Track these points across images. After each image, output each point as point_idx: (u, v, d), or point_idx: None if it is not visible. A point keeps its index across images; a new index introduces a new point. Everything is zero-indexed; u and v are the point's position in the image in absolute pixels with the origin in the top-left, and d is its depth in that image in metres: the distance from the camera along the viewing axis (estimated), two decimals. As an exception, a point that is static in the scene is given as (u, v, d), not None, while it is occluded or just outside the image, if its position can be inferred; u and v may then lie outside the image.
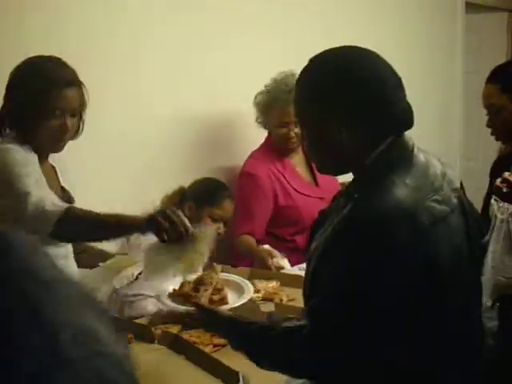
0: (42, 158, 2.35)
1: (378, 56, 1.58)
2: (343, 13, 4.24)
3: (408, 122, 1.56)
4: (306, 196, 3.31)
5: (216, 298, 1.92)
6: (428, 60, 4.87)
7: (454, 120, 5.33)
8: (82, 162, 2.81)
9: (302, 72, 1.60)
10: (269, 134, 3.36)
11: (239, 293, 2.01)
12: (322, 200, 3.18)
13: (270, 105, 3.25)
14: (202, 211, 2.97)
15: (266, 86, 3.30)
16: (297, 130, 3.13)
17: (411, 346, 1.44)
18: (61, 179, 2.44)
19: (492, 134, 2.60)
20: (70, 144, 2.28)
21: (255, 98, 3.32)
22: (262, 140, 3.40)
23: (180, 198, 3.00)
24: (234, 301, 1.95)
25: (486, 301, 2.41)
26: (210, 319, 1.67)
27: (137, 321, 2.24)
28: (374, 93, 1.49)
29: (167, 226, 1.93)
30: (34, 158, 2.24)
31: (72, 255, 2.44)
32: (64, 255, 2.36)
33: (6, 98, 2.28)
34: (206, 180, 3.13)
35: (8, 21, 2.69)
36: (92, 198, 2.50)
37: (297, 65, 3.42)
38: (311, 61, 1.60)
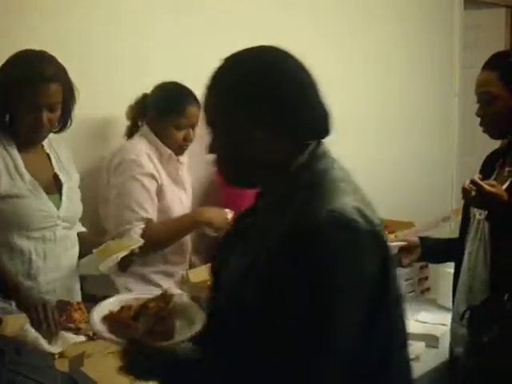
0: (29, 146, 2.38)
1: (295, 58, 1.48)
2: (342, 6, 4.23)
3: (328, 129, 1.47)
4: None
5: (159, 329, 1.55)
6: (426, 55, 4.86)
7: (451, 115, 5.32)
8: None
9: (214, 73, 1.47)
10: None
11: (190, 322, 1.58)
12: None
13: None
14: (165, 122, 2.92)
15: None
16: None
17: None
18: (55, 166, 2.45)
19: (480, 124, 2.40)
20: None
21: None
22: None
23: (143, 107, 2.97)
24: (182, 332, 1.55)
25: (460, 306, 2.37)
26: (133, 355, 1.45)
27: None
28: (293, 94, 1.40)
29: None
30: None
31: (67, 240, 2.45)
32: (49, 239, 2.38)
33: None
34: (164, 85, 3.00)
35: (8, 20, 2.71)
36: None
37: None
38: (225, 61, 1.49)
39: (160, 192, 2.92)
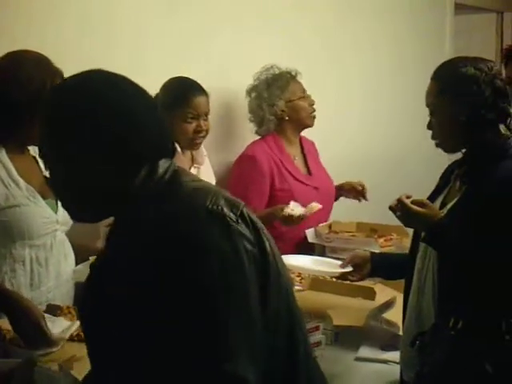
0: (21, 151, 2.34)
1: (125, 80, 1.46)
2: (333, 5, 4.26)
3: (168, 147, 1.46)
4: (300, 183, 3.40)
5: None
6: (418, 60, 4.88)
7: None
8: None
9: (44, 106, 1.46)
10: (267, 135, 3.43)
11: None
12: (317, 190, 3.39)
13: (285, 86, 3.38)
14: (174, 117, 2.88)
15: (253, 90, 3.40)
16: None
17: None
18: (43, 169, 2.43)
19: (431, 137, 2.22)
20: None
21: (260, 100, 3.38)
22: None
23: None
24: None
25: (409, 329, 2.20)
26: None
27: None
28: (122, 121, 1.37)
29: None
30: None
31: (65, 244, 2.44)
32: (50, 245, 2.36)
33: None
34: (168, 81, 2.99)
35: (5, 20, 2.69)
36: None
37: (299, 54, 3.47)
38: (53, 92, 1.51)
39: None
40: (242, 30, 3.62)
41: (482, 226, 2.00)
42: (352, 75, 4.34)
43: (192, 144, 3.00)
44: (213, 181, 3.13)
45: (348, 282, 2.55)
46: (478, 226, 2.01)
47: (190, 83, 2.98)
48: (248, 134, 3.49)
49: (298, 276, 2.86)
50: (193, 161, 3.09)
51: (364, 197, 3.42)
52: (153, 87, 3.08)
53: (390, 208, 2.13)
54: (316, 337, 2.19)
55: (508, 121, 2.15)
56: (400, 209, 2.10)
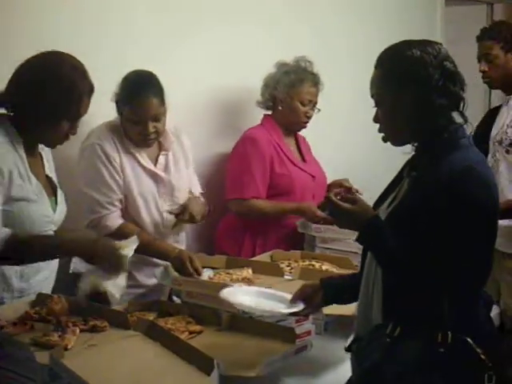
0: (33, 147, 2.34)
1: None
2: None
3: None
4: (299, 168, 3.48)
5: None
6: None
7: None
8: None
9: None
10: (269, 115, 3.53)
11: None
12: (313, 178, 3.50)
13: (296, 84, 3.44)
14: (123, 116, 2.83)
15: (282, 66, 3.49)
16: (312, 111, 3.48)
17: None
18: (46, 167, 2.42)
19: (378, 131, 2.01)
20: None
21: (276, 76, 3.48)
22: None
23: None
24: None
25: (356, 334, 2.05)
26: None
27: (113, 308, 2.24)
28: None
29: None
30: (7, 154, 2.24)
31: None
32: None
33: (16, 82, 2.27)
34: (126, 76, 2.84)
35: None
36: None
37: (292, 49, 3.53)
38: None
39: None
40: (232, 27, 3.64)
41: (420, 226, 1.82)
42: (343, 65, 4.34)
43: (143, 144, 2.87)
44: (189, 164, 3.06)
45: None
46: (415, 225, 1.83)
47: (138, 82, 2.78)
48: (244, 129, 3.52)
49: (288, 266, 2.87)
50: (160, 148, 2.96)
51: (352, 194, 3.43)
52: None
53: (319, 207, 1.95)
54: (306, 326, 2.19)
55: (461, 106, 1.95)
56: (329, 207, 1.92)
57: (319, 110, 3.52)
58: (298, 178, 3.43)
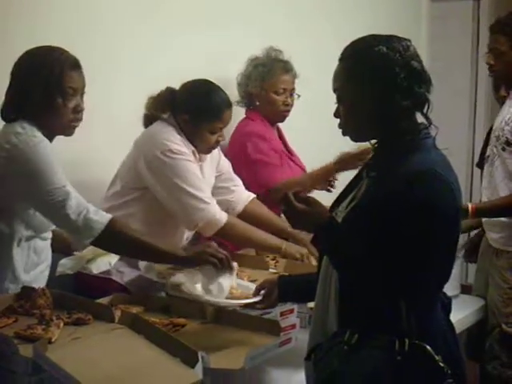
0: (50, 141, 2.34)
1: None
2: None
3: None
4: (291, 160, 3.53)
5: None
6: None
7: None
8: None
9: None
10: (251, 110, 3.51)
11: None
12: (302, 170, 3.55)
13: (266, 76, 3.43)
14: (201, 127, 2.87)
15: (252, 61, 3.48)
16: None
17: None
18: None
19: (338, 126, 1.92)
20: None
21: (246, 72, 3.48)
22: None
23: (170, 103, 2.91)
24: None
25: (312, 342, 1.98)
26: None
27: (97, 301, 2.24)
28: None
29: (215, 261, 2.23)
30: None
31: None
32: (45, 238, 2.41)
33: (16, 85, 2.29)
34: (200, 88, 2.92)
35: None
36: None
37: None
38: None
39: None
40: (222, 28, 3.64)
41: (377, 228, 1.75)
42: (329, 62, 4.34)
43: (208, 151, 2.96)
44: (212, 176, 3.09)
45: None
46: (372, 227, 1.76)
47: (221, 95, 2.90)
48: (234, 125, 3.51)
49: (272, 259, 2.87)
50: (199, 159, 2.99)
51: (332, 186, 3.43)
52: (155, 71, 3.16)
53: (279, 203, 1.89)
54: (291, 319, 2.19)
55: (426, 108, 1.87)
56: (285, 206, 1.85)
57: (299, 95, 3.49)
58: (291, 168, 3.46)
